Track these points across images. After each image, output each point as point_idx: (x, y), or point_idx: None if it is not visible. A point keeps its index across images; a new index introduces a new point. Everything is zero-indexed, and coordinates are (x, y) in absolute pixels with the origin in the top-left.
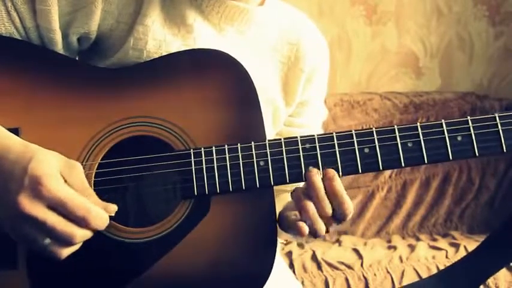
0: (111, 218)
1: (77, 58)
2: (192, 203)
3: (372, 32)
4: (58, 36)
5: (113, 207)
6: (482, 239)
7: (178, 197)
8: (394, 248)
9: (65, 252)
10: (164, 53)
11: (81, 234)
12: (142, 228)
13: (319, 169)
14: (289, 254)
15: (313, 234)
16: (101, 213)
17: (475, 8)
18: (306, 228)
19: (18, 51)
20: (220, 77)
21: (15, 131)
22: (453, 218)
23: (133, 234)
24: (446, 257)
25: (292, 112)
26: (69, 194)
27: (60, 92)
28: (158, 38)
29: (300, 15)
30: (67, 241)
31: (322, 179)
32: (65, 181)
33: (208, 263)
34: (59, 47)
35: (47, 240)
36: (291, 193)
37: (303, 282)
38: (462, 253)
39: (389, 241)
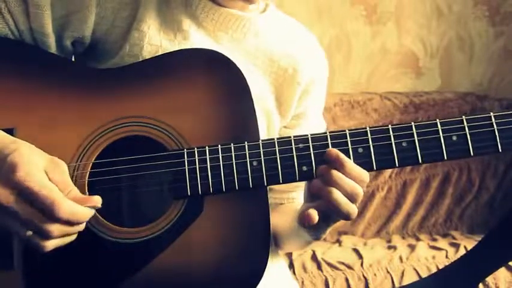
0: (105, 218)
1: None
2: (185, 203)
3: (371, 32)
4: (51, 40)
5: (96, 198)
6: None
7: (172, 197)
8: (394, 248)
9: (47, 245)
10: None
11: (55, 228)
12: (136, 228)
13: (312, 169)
14: (289, 254)
15: (346, 216)
16: (68, 206)
17: (475, 8)
18: (315, 215)
19: (12, 52)
20: (212, 75)
21: (10, 132)
22: (453, 218)
23: (127, 234)
24: (446, 257)
25: (289, 124)
26: (39, 183)
27: (54, 93)
28: (154, 43)
29: (300, 27)
30: (43, 234)
31: (333, 167)
32: (47, 177)
33: (202, 262)
34: (53, 50)
35: (29, 232)
36: (308, 187)
37: (303, 282)
38: (462, 253)
39: (389, 241)
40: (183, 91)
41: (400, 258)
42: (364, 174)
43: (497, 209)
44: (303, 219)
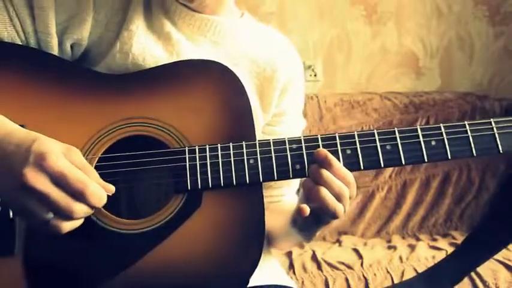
0: (106, 209)
1: None
2: (184, 197)
3: (372, 32)
4: (54, 41)
5: (111, 187)
6: None
7: (172, 191)
8: (394, 248)
9: (66, 226)
10: (148, 56)
11: (80, 209)
12: (136, 220)
13: (304, 167)
14: (289, 254)
15: (333, 214)
16: (98, 189)
17: (475, 8)
18: (306, 208)
19: (24, 57)
20: (214, 82)
21: None
22: (453, 218)
23: (127, 225)
24: None
25: (270, 121)
26: (69, 167)
27: (63, 94)
28: (142, 41)
29: (274, 31)
30: (67, 215)
31: (322, 166)
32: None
33: (199, 253)
34: (55, 51)
35: (50, 215)
36: (302, 184)
37: (303, 282)
38: None
39: (389, 241)
40: (186, 95)
41: (400, 258)
42: (349, 176)
43: None
44: (296, 213)
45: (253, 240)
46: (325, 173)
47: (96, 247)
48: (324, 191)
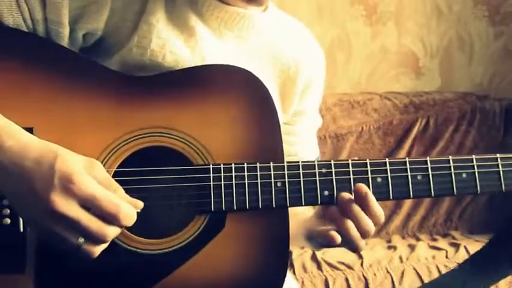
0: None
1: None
2: (207, 218)
3: (371, 32)
4: (66, 31)
5: (140, 203)
6: (482, 239)
7: (194, 211)
8: (394, 248)
9: (97, 250)
10: (167, 52)
11: (113, 232)
12: (156, 239)
13: (333, 194)
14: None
15: (354, 249)
16: (129, 209)
17: (475, 8)
18: (338, 237)
19: (33, 48)
20: (243, 95)
21: (28, 131)
22: (453, 218)
23: (147, 245)
24: (446, 257)
25: (289, 121)
26: (99, 190)
27: (77, 95)
28: (162, 36)
29: (300, 26)
30: (100, 239)
31: (356, 199)
32: None
33: (221, 277)
34: (65, 42)
35: (81, 240)
36: (324, 212)
37: (303, 282)
38: (462, 253)
39: (389, 241)
40: (212, 107)
41: (400, 258)
42: (381, 215)
43: (497, 209)
44: (325, 239)
45: (278, 261)
46: (357, 209)
47: (114, 267)
48: (352, 227)
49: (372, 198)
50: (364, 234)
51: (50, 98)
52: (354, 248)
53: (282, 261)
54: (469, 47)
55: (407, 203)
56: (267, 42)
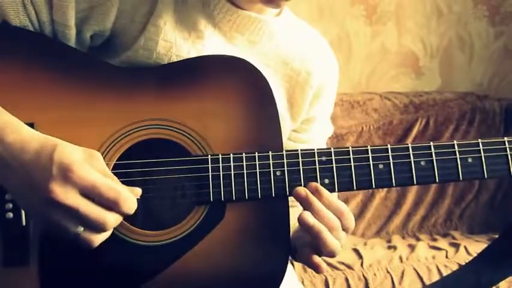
0: (124, 219)
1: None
2: (207, 208)
3: (372, 32)
4: (73, 32)
5: (139, 190)
6: (482, 239)
7: (193, 202)
8: (394, 248)
9: (98, 239)
10: (174, 56)
11: (113, 219)
12: (156, 231)
13: (333, 182)
14: None
15: (330, 254)
16: (130, 196)
17: (475, 8)
18: (323, 266)
19: (36, 45)
20: (241, 85)
21: (29, 126)
22: (453, 218)
23: (147, 236)
24: (446, 257)
25: (298, 128)
26: (99, 177)
27: (76, 90)
28: (169, 39)
29: (313, 32)
30: (99, 227)
31: (312, 193)
32: None
33: (222, 267)
34: (72, 42)
35: (80, 228)
36: (298, 219)
37: (303, 282)
38: (462, 253)
39: (389, 241)
40: (210, 98)
41: (400, 258)
42: (341, 208)
43: (497, 208)
44: (312, 267)
45: (279, 250)
46: (315, 202)
47: (114, 258)
48: (324, 232)
49: (325, 192)
50: (332, 230)
51: (50, 93)
52: (330, 251)
53: (282, 251)
54: (469, 47)
55: (407, 203)
56: (278, 48)
